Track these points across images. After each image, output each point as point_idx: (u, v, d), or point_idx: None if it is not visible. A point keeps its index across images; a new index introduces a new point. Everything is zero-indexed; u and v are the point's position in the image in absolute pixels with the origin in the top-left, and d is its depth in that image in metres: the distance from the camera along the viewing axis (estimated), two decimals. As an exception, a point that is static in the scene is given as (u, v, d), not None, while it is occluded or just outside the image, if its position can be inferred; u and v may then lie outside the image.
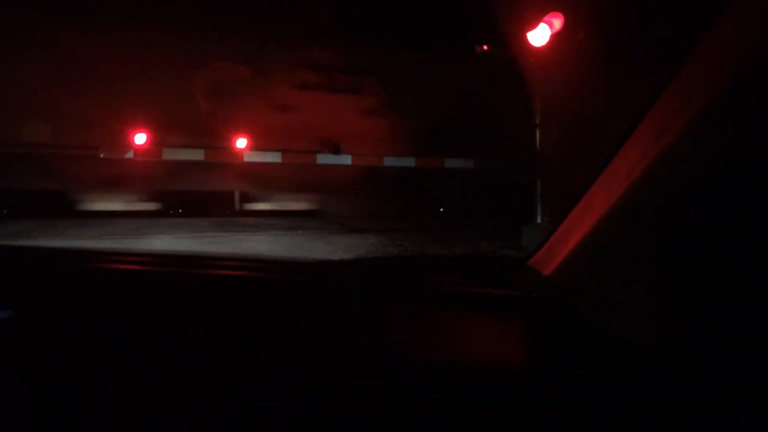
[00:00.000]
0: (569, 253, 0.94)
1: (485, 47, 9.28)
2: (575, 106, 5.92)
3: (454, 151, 10.58)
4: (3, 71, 8.52)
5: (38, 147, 8.77)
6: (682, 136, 0.73)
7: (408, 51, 10.35)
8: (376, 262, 1.76)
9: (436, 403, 0.80)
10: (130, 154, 9.30)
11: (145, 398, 0.82)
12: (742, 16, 0.70)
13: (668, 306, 0.77)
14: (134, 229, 8.01)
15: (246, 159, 9.89)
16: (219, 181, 10.20)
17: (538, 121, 6.89)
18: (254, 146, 9.90)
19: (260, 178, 10.26)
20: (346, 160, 10.30)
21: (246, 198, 11.06)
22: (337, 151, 9.88)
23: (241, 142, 9.87)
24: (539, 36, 6.35)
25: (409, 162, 10.61)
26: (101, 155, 9.09)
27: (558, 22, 6.19)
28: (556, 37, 6.21)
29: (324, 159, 10.19)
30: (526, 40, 6.46)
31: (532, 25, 6.36)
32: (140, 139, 9.30)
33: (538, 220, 6.53)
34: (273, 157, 10.04)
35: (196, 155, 9.64)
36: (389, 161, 10.55)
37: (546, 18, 6.22)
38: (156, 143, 9.41)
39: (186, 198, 10.86)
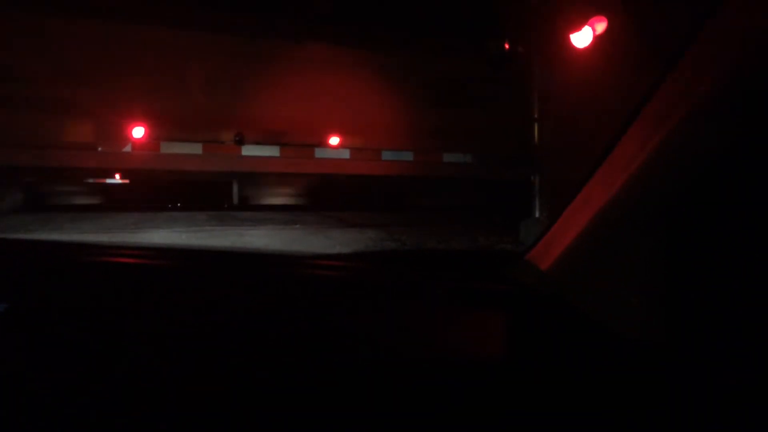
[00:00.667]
0: (566, 248, 0.94)
1: (484, 44, 9.27)
2: (573, 102, 5.92)
3: (452, 146, 10.58)
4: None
5: (36, 142, 8.75)
6: (679, 131, 0.73)
7: (407, 48, 10.33)
8: (373, 256, 1.76)
9: (434, 397, 0.80)
10: (128, 148, 9.28)
11: (142, 391, 0.82)
12: (738, 13, 0.70)
13: (665, 300, 0.77)
14: (132, 222, 8.00)
15: (244, 153, 9.88)
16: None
17: (536, 116, 6.89)
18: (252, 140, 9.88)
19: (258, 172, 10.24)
20: (344, 154, 10.30)
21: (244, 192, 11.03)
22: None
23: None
24: (539, 32, 6.34)
25: (408, 156, 10.61)
26: (99, 149, 9.07)
27: (557, 18, 6.18)
28: (554, 34, 6.20)
29: (321, 153, 10.18)
30: (525, 36, 6.45)
31: (533, 21, 6.35)
32: (138, 132, 9.28)
33: (536, 215, 6.53)
34: (271, 151, 10.03)
35: (194, 149, 9.63)
36: (387, 155, 10.54)
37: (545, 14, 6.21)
38: (154, 137, 9.39)
39: (184, 191, 10.84)
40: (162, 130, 9.40)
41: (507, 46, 6.66)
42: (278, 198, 11.50)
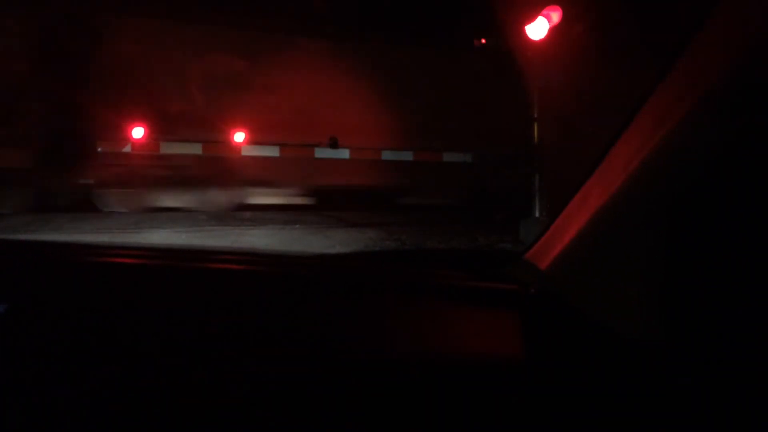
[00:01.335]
0: (566, 247, 0.94)
1: (483, 41, 9.27)
2: (573, 100, 5.92)
3: (452, 144, 10.59)
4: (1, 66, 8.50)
5: (35, 141, 8.76)
6: (679, 129, 0.73)
7: (406, 45, 10.34)
8: (373, 255, 1.76)
9: (434, 396, 0.80)
10: (127, 148, 9.29)
11: (143, 391, 0.82)
12: (739, 8, 0.70)
13: (664, 299, 0.77)
14: (132, 223, 8.01)
15: (244, 153, 9.88)
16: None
17: (535, 115, 6.89)
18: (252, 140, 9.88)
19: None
20: (343, 154, 10.29)
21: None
22: (334, 145, 9.82)
23: (239, 136, 9.85)
24: (537, 29, 6.34)
25: (407, 156, 10.61)
26: (99, 149, 9.08)
27: (556, 16, 6.18)
28: (554, 31, 6.20)
29: (322, 153, 10.19)
30: (525, 33, 6.45)
31: (531, 18, 6.35)
32: (138, 132, 9.29)
33: (536, 214, 6.53)
34: (271, 151, 10.03)
35: (194, 149, 9.63)
36: (387, 155, 10.54)
37: (544, 11, 6.21)
38: (154, 137, 9.40)
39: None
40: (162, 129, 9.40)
41: (505, 45, 6.66)
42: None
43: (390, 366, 0.86)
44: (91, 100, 8.66)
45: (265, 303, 1.03)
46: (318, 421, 0.78)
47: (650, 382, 0.75)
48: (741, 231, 0.70)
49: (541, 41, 6.33)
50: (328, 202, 10.37)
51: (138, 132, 9.25)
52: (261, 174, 10.19)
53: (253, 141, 9.91)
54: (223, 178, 9.87)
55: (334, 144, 9.87)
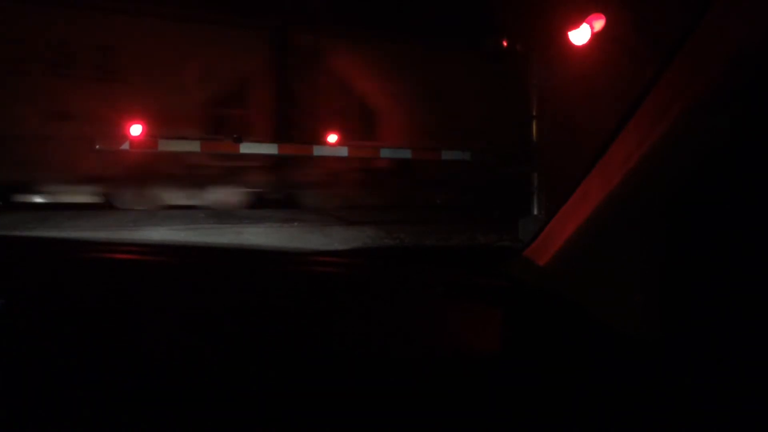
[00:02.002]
0: (565, 244, 0.94)
1: (482, 41, 9.27)
2: (571, 98, 5.91)
3: (451, 143, 10.58)
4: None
5: (34, 137, 8.74)
6: (677, 125, 0.73)
7: (405, 43, 10.33)
8: (372, 253, 1.75)
9: (432, 392, 0.81)
10: (125, 146, 9.26)
11: (141, 387, 0.82)
12: (737, 5, 0.70)
13: (663, 296, 0.77)
14: (130, 220, 8.00)
15: (242, 151, 9.87)
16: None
17: (534, 113, 6.89)
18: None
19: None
20: (342, 152, 10.29)
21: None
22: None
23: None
24: (537, 28, 6.33)
25: (406, 154, 10.60)
26: (96, 146, 9.06)
27: (556, 14, 6.17)
28: (551, 30, 6.19)
29: (319, 151, 10.18)
30: (524, 32, 6.44)
31: (531, 17, 6.34)
32: (136, 130, 9.26)
33: (535, 212, 6.53)
34: (269, 149, 10.02)
35: (192, 147, 9.61)
36: (386, 153, 10.54)
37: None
38: (152, 134, 9.38)
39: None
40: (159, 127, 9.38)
41: (504, 44, 6.66)
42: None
43: (388, 363, 0.86)
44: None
45: (263, 299, 1.02)
46: (314, 417, 0.78)
47: (648, 380, 0.75)
48: (740, 228, 0.70)
49: (541, 40, 6.33)
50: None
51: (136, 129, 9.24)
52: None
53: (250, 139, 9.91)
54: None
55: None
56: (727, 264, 0.71)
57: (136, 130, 9.21)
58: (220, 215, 8.93)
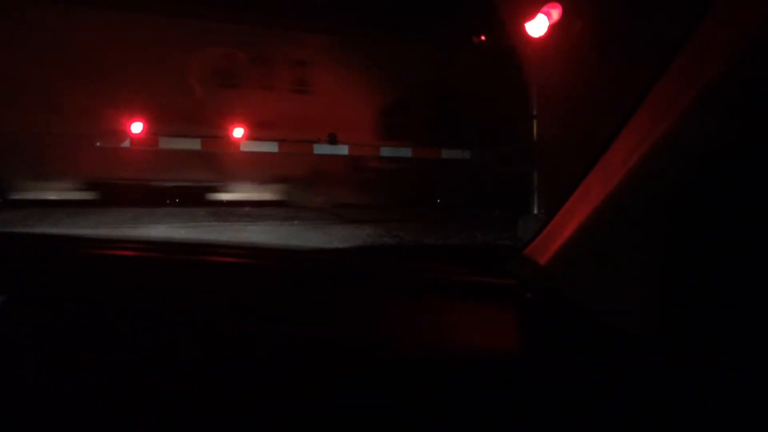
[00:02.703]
0: (565, 242, 0.94)
1: (483, 38, 9.26)
2: (571, 97, 5.91)
3: (451, 141, 10.59)
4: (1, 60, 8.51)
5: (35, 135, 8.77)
6: (678, 124, 0.73)
7: (405, 41, 10.32)
8: (371, 251, 1.76)
9: (431, 390, 0.81)
10: (126, 143, 9.27)
11: (140, 385, 0.82)
12: (737, 4, 0.70)
13: (662, 294, 0.77)
14: (130, 218, 8.00)
15: (243, 149, 9.87)
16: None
17: (534, 112, 6.88)
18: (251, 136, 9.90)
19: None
20: (342, 150, 10.28)
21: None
22: (333, 141, 9.91)
23: (238, 132, 9.85)
24: (537, 27, 6.33)
25: (406, 152, 10.60)
26: (97, 144, 9.07)
27: (556, 13, 6.17)
28: (553, 28, 6.19)
29: (321, 149, 10.18)
30: (524, 30, 6.44)
31: (531, 15, 6.34)
32: (137, 128, 9.27)
33: (535, 211, 6.53)
34: (270, 147, 10.02)
35: (193, 144, 9.61)
36: (386, 151, 10.54)
37: (544, 8, 6.20)
38: (152, 132, 9.38)
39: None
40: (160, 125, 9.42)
41: (506, 42, 6.65)
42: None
43: (387, 361, 0.86)
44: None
45: (262, 297, 1.03)
46: (315, 415, 0.78)
47: (649, 377, 0.75)
48: (740, 226, 0.70)
49: (541, 38, 6.32)
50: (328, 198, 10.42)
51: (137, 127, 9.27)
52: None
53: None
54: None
55: (333, 140, 9.97)
56: (726, 262, 0.71)
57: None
58: (220, 213, 8.93)
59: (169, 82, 9.43)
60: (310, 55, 10.31)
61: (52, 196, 9.48)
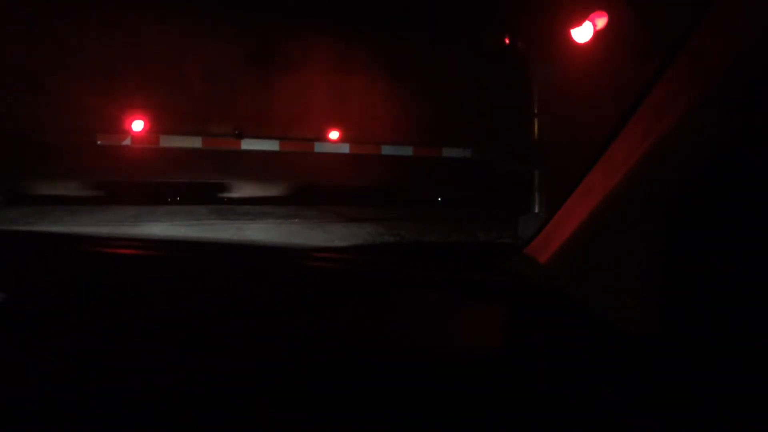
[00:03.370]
0: (565, 241, 0.94)
1: (483, 37, 9.24)
2: (572, 96, 5.91)
3: (452, 140, 10.57)
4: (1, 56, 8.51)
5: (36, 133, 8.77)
6: (679, 122, 0.73)
7: (406, 40, 10.30)
8: (372, 249, 1.75)
9: (432, 387, 0.81)
10: (127, 141, 9.27)
11: (142, 383, 0.83)
12: (738, 4, 0.70)
13: (663, 293, 0.77)
14: (131, 216, 8.00)
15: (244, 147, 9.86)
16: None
17: (535, 111, 6.88)
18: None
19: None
20: (344, 148, 10.27)
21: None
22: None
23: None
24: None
25: (407, 151, 10.59)
26: (98, 142, 9.07)
27: (557, 11, 6.16)
28: (554, 27, 6.18)
29: (321, 147, 10.17)
30: (525, 29, 6.43)
31: (532, 14, 6.33)
32: (138, 126, 9.27)
33: (536, 210, 6.53)
34: (270, 145, 10.01)
35: (194, 142, 9.61)
36: (387, 150, 10.52)
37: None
38: (154, 130, 9.38)
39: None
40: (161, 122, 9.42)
41: (507, 41, 6.65)
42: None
43: (388, 359, 0.86)
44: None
45: (263, 295, 1.03)
46: (316, 413, 0.78)
47: (648, 376, 0.75)
48: (740, 225, 0.70)
49: (542, 37, 6.31)
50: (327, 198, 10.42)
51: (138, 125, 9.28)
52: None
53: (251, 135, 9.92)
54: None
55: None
56: (726, 261, 0.71)
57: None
58: (222, 211, 8.93)
59: (169, 79, 9.41)
60: (313, 51, 10.28)
61: (54, 192, 9.49)
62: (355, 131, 10.31)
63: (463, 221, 7.97)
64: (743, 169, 0.69)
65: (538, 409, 0.77)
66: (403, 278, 1.09)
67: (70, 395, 0.81)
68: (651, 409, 0.73)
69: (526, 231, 5.86)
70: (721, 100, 0.69)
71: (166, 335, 0.91)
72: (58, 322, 0.93)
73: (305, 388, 0.81)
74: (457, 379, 0.82)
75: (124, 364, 0.85)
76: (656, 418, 0.73)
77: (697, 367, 0.72)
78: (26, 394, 0.81)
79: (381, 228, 7.22)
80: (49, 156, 8.83)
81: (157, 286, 1.04)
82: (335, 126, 10.25)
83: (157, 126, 9.42)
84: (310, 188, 10.69)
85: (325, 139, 10.25)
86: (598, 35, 5.51)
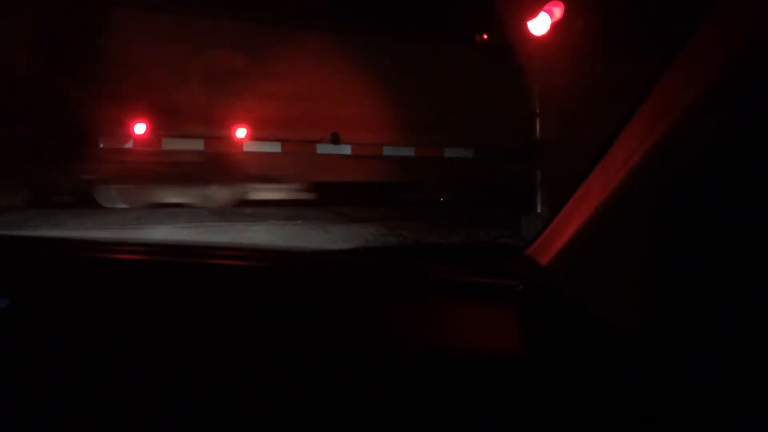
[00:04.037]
0: (567, 242, 0.94)
1: (485, 36, 9.24)
2: (574, 95, 5.91)
3: (454, 140, 10.58)
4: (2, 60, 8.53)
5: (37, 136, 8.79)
6: (679, 123, 0.73)
7: (407, 40, 10.31)
8: (374, 250, 1.76)
9: (433, 390, 0.81)
10: (129, 144, 9.29)
11: (143, 387, 0.83)
12: (738, 4, 0.70)
13: (665, 294, 0.77)
14: (134, 218, 8.01)
15: (246, 149, 9.88)
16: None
17: (537, 111, 6.87)
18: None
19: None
20: (345, 150, 10.28)
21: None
22: (336, 140, 9.92)
23: (241, 132, 9.86)
24: (539, 25, 6.32)
25: (408, 151, 10.59)
26: (101, 145, 9.09)
27: (558, 11, 6.16)
28: (555, 26, 6.18)
29: (323, 149, 10.17)
30: (526, 28, 6.43)
31: (532, 13, 6.33)
32: (140, 128, 9.29)
33: (538, 210, 6.52)
34: (272, 147, 10.02)
35: (196, 145, 9.63)
36: (388, 151, 10.53)
37: (546, 7, 6.19)
38: (156, 133, 9.40)
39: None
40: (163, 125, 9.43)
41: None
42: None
43: (390, 361, 0.86)
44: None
45: (266, 298, 1.03)
46: (316, 416, 0.78)
47: (650, 377, 0.75)
48: (741, 226, 0.70)
49: (543, 37, 6.31)
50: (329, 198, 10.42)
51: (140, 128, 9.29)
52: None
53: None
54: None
55: (335, 140, 9.98)
56: (727, 261, 0.71)
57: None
58: (224, 213, 8.94)
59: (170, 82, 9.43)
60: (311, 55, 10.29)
61: (56, 197, 9.50)
62: (355, 133, 10.33)
63: (465, 221, 7.97)
64: (743, 170, 0.69)
65: (540, 410, 0.77)
66: (404, 280, 1.10)
67: (73, 401, 0.81)
68: (652, 410, 0.73)
69: (528, 230, 5.86)
70: (721, 100, 0.69)
71: (168, 339, 0.91)
72: (61, 328, 0.93)
73: (307, 391, 0.81)
74: (459, 381, 0.82)
75: (127, 369, 0.86)
76: (657, 418, 0.73)
77: (698, 368, 0.72)
78: (28, 400, 0.81)
79: (383, 228, 7.22)
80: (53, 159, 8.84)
81: (159, 290, 1.04)
82: (336, 126, 10.27)
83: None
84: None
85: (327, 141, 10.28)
86: (599, 35, 5.51)
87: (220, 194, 10.17)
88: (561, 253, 0.95)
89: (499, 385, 0.81)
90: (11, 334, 0.92)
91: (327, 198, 10.42)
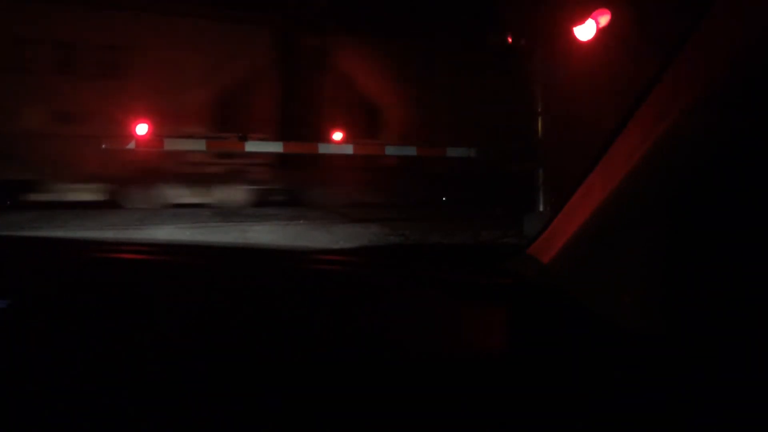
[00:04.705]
0: (568, 241, 0.94)
1: (485, 36, 9.25)
2: (575, 95, 5.90)
3: (456, 140, 10.59)
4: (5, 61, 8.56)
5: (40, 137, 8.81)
6: (680, 123, 0.73)
7: (409, 40, 10.32)
8: (376, 250, 1.76)
9: (435, 389, 0.81)
10: (131, 145, 9.30)
11: (146, 387, 0.83)
12: (738, 4, 0.70)
13: (665, 293, 0.77)
14: (136, 219, 8.02)
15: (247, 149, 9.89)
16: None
17: (539, 110, 6.87)
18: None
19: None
20: (347, 149, 10.29)
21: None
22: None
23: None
24: (540, 25, 6.31)
25: (411, 151, 10.60)
26: (103, 146, 9.11)
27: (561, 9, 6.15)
28: (556, 26, 6.18)
29: (325, 148, 10.18)
30: (528, 29, 6.43)
31: (537, 15, 6.33)
32: (142, 129, 9.30)
33: (540, 209, 6.52)
34: (274, 147, 10.04)
35: (198, 145, 9.65)
36: (391, 150, 10.54)
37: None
38: (157, 133, 9.41)
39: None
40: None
41: (509, 40, 6.64)
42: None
43: (392, 361, 0.86)
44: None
45: (268, 298, 1.03)
46: (319, 415, 0.78)
47: (651, 376, 0.75)
48: (742, 225, 0.70)
49: (543, 36, 6.31)
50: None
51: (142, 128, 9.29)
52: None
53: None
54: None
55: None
56: (728, 260, 0.71)
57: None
58: (225, 213, 8.95)
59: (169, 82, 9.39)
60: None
61: (61, 197, 9.52)
62: (358, 132, 10.33)
63: (466, 221, 7.96)
64: (744, 169, 0.69)
65: (541, 410, 0.77)
66: (407, 280, 1.10)
67: (76, 400, 0.82)
68: (652, 410, 0.73)
69: (531, 229, 5.86)
70: (721, 100, 0.69)
71: (171, 339, 0.91)
72: (64, 329, 0.93)
73: (309, 390, 0.81)
74: (462, 380, 0.82)
75: (130, 368, 0.86)
76: (657, 418, 0.73)
77: (699, 368, 0.72)
78: (32, 399, 0.82)
79: (385, 228, 7.23)
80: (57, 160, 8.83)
81: (162, 290, 1.04)
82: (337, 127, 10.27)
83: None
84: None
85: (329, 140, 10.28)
86: (601, 33, 5.50)
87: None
88: (561, 252, 0.95)
89: (501, 384, 0.81)
90: (13, 334, 0.93)
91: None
